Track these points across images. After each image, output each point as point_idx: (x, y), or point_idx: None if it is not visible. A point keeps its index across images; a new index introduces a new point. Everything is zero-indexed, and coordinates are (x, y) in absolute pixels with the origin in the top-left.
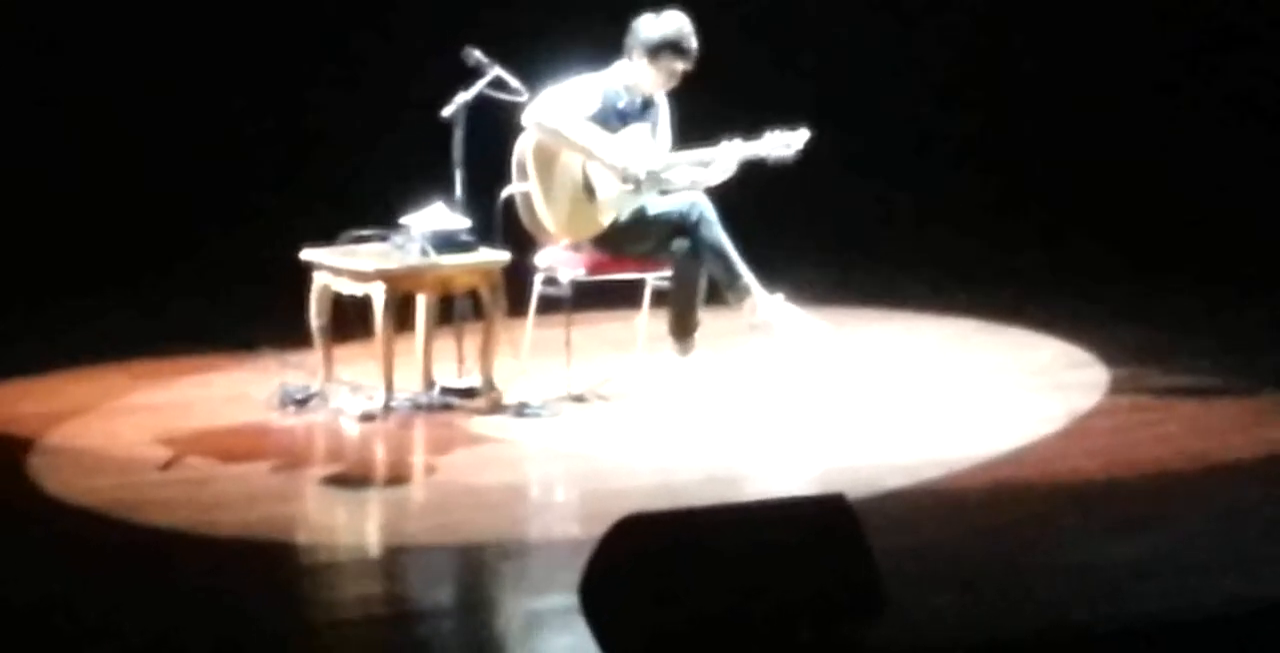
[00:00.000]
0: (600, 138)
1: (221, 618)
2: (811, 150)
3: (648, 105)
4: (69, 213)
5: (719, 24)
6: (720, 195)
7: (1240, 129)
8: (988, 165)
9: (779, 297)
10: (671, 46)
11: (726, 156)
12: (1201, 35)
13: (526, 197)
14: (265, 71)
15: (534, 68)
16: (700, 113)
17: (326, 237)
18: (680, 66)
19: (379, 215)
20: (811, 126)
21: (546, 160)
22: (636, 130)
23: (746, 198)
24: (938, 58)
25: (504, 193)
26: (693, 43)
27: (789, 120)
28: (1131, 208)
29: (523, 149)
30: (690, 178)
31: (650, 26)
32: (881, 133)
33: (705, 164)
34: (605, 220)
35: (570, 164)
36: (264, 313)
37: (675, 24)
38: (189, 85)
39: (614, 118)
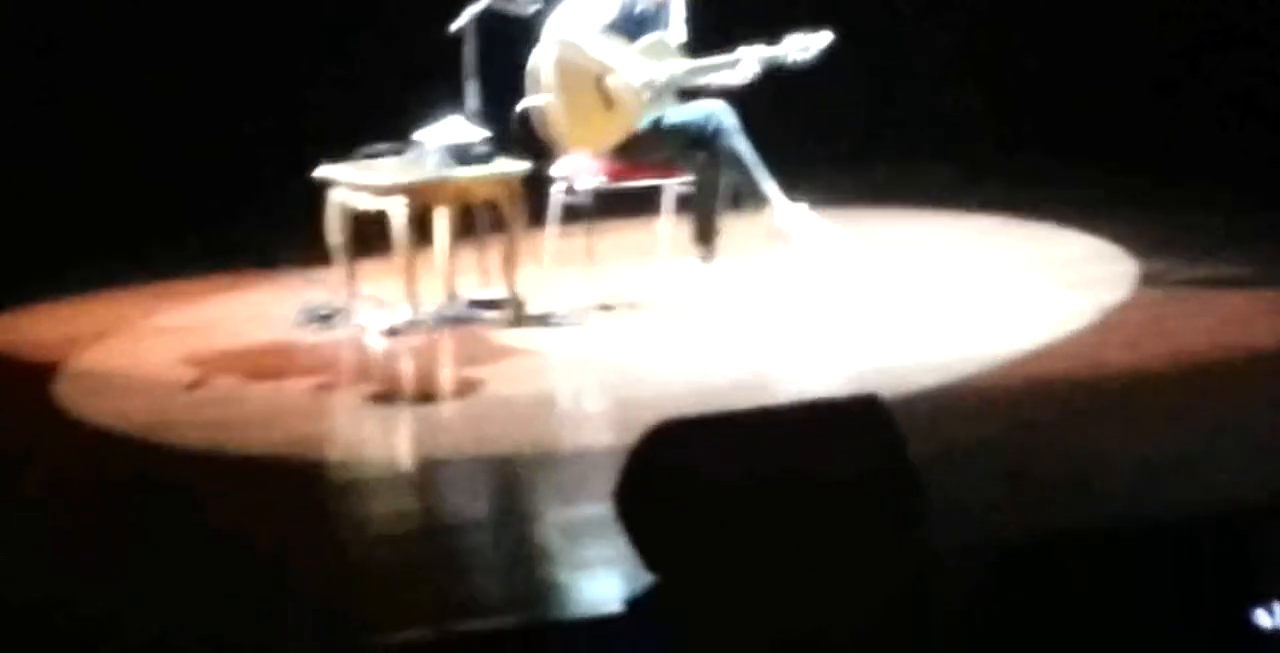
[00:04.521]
0: (618, 50)
1: (255, 539)
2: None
3: (661, 6)
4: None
5: None
6: (741, 101)
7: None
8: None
9: (801, 205)
10: None
11: (745, 60)
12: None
13: (543, 109)
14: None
15: None
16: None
17: (339, 153)
18: None
19: (391, 134)
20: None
21: (565, 72)
22: (654, 37)
23: (766, 103)
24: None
25: (520, 105)
26: None
27: None
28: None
29: (541, 61)
30: (708, 80)
31: None
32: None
33: (723, 68)
34: (624, 131)
35: (588, 76)
36: (284, 230)
37: None
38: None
39: (632, 23)
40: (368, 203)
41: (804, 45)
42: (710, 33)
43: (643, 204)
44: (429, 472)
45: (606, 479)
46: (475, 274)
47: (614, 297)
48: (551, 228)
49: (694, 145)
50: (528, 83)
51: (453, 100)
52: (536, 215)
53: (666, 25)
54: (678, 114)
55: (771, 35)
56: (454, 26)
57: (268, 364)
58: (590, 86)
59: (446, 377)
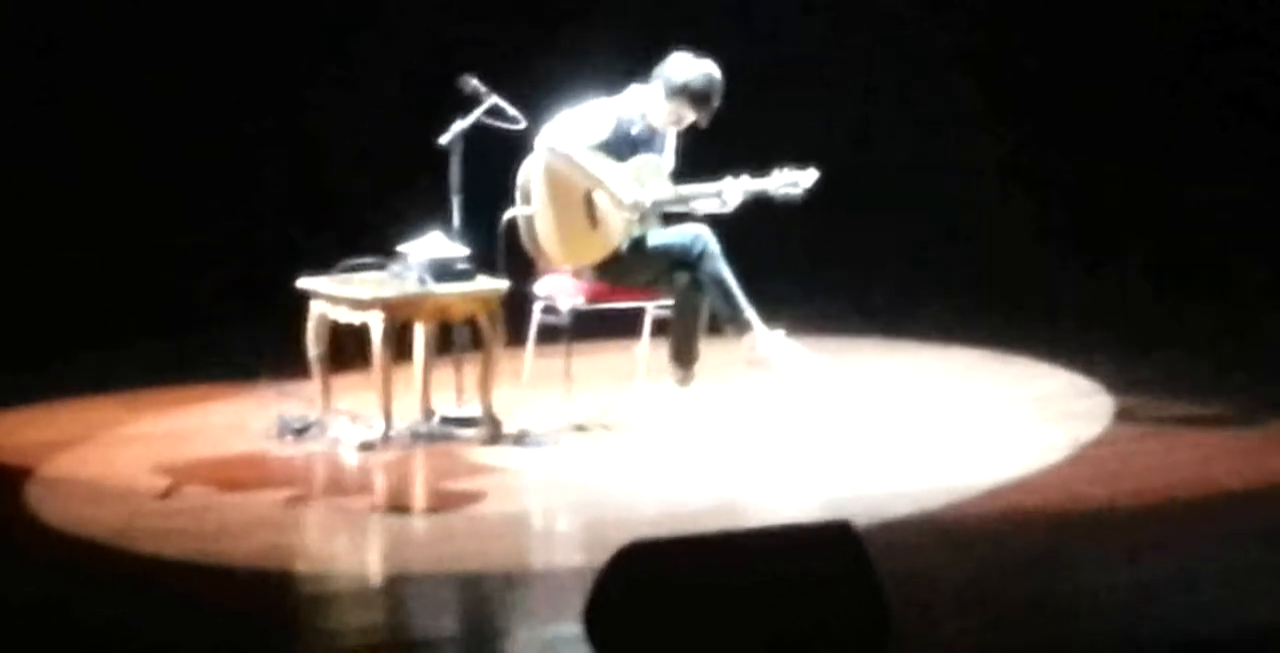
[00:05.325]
0: (608, 167)
1: (222, 649)
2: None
3: (656, 132)
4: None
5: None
6: (727, 225)
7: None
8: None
9: (780, 332)
10: (692, 95)
11: (731, 191)
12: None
13: (529, 221)
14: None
15: (534, 92)
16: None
17: (322, 265)
18: (692, 117)
19: (375, 244)
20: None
21: (554, 185)
22: (645, 159)
23: (750, 226)
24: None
25: (506, 217)
26: (715, 99)
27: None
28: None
29: (530, 173)
30: (693, 207)
31: (681, 68)
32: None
33: (709, 197)
34: (607, 249)
35: (576, 190)
36: (261, 342)
37: (705, 75)
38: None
39: (625, 145)
40: (348, 316)
41: (791, 181)
42: (704, 161)
43: (622, 326)
44: (398, 587)
45: (576, 598)
46: (452, 391)
47: (589, 418)
48: (530, 347)
49: (676, 268)
50: (516, 194)
51: (437, 212)
52: (517, 333)
53: (658, 150)
54: (661, 236)
55: (762, 168)
56: (442, 140)
57: (240, 475)
58: (577, 201)
59: (419, 493)
